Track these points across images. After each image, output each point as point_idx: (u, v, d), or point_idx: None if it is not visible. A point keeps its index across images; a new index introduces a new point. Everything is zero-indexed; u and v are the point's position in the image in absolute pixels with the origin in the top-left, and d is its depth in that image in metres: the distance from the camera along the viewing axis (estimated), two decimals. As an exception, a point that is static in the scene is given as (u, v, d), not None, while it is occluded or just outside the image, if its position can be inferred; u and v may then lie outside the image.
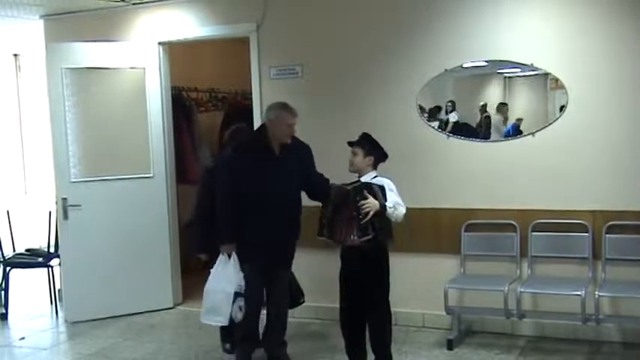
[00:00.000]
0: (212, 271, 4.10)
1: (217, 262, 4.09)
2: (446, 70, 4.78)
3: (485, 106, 4.84)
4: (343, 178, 4.03)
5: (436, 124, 4.88)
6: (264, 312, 4.36)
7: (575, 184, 4.49)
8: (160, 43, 5.72)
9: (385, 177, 3.98)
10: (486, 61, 4.72)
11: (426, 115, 4.90)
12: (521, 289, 4.35)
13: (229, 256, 4.05)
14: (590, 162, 4.46)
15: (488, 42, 4.66)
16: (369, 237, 3.78)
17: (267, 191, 4.04)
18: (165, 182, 5.73)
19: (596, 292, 4.17)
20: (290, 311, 4.51)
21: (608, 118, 4.40)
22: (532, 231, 4.58)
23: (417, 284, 4.89)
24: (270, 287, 4.26)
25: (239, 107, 6.80)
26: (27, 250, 6.25)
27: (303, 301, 4.55)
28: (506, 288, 4.33)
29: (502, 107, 4.74)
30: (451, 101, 4.91)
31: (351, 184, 3.92)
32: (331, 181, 4.11)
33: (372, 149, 4.00)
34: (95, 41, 5.58)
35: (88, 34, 5.69)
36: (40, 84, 7.06)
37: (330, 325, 4.81)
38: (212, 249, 4.19)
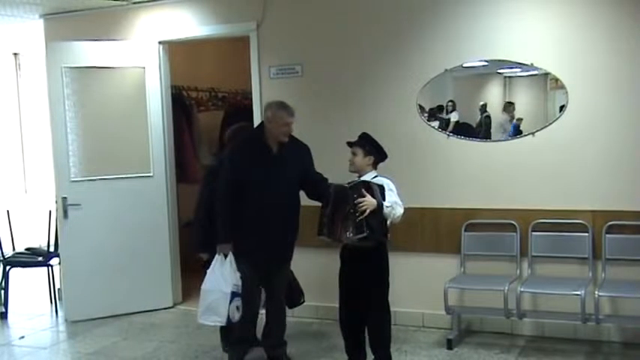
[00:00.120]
0: (208, 270, 4.10)
1: (214, 261, 4.09)
2: (446, 69, 4.78)
3: (485, 105, 4.84)
4: (343, 177, 4.03)
5: (436, 123, 4.87)
6: (262, 312, 4.36)
7: (575, 183, 4.49)
8: (160, 43, 5.72)
9: (385, 177, 3.99)
10: (486, 61, 4.72)
11: (426, 114, 4.90)
12: (521, 289, 4.35)
13: (226, 256, 4.05)
14: (590, 162, 4.46)
15: (488, 42, 4.66)
16: (364, 235, 3.77)
17: (264, 190, 4.04)
18: (165, 181, 5.73)
19: (596, 292, 4.16)
20: (290, 311, 4.52)
21: (608, 118, 4.40)
22: (532, 231, 4.58)
23: (417, 284, 4.89)
24: (268, 287, 4.26)
25: (239, 107, 6.80)
26: (27, 249, 6.26)
27: (303, 301, 4.55)
28: (506, 288, 4.33)
29: (509, 106, 4.73)
30: (451, 101, 4.91)
31: (351, 184, 3.92)
32: (330, 181, 4.11)
33: (371, 149, 4.00)
34: (95, 40, 5.58)
35: (88, 33, 5.69)
36: (40, 83, 7.07)
37: (330, 324, 4.81)
38: (213, 248, 4.19)
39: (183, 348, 4.79)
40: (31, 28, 6.44)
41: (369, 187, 3.82)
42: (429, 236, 4.88)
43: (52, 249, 6.06)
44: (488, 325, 4.79)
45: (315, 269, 4.89)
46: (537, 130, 4.58)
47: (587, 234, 4.44)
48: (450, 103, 4.91)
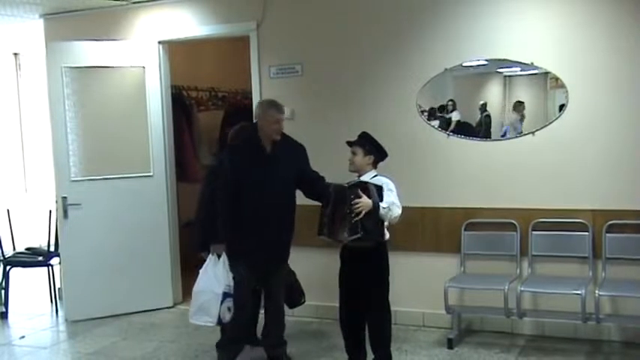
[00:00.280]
0: (201, 270, 4.09)
1: (207, 262, 4.08)
2: (446, 69, 4.78)
3: (485, 105, 4.83)
4: (343, 177, 4.03)
5: (436, 123, 4.87)
6: (262, 312, 4.36)
7: (575, 183, 4.49)
8: (160, 42, 5.72)
9: (385, 176, 3.98)
10: (486, 60, 4.71)
11: (426, 114, 4.89)
12: (522, 288, 4.35)
13: (219, 256, 4.04)
14: (590, 161, 4.45)
15: (488, 41, 4.65)
16: (358, 235, 3.78)
17: (260, 190, 4.04)
18: (165, 181, 5.73)
19: (597, 291, 4.16)
20: (290, 310, 4.52)
21: (608, 117, 4.40)
22: (532, 230, 4.58)
23: (417, 283, 4.89)
24: (266, 287, 4.26)
25: (239, 106, 6.80)
26: (27, 249, 6.26)
27: (304, 301, 4.55)
28: (507, 287, 4.33)
29: (519, 105, 4.70)
30: (452, 100, 4.91)
31: (351, 183, 3.92)
32: (330, 181, 4.10)
33: (371, 148, 3.99)
34: (95, 40, 5.58)
35: (88, 32, 5.69)
36: (40, 83, 7.07)
37: (330, 324, 4.81)
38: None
39: (183, 348, 4.79)
40: (31, 28, 6.44)
41: (365, 187, 3.81)
42: (429, 236, 4.88)
43: (52, 249, 6.06)
44: (489, 324, 4.79)
45: (315, 269, 4.89)
46: (537, 130, 4.58)
47: (587, 233, 4.44)
48: (450, 103, 4.91)
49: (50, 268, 5.97)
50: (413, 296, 4.90)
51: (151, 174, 5.66)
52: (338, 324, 4.14)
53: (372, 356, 4.05)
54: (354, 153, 4.01)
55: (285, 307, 4.44)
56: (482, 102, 4.85)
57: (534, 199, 4.58)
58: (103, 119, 5.54)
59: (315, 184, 4.14)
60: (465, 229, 4.76)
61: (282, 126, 4.16)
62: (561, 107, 4.52)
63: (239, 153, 4.17)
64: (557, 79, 4.51)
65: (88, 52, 5.51)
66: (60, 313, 5.80)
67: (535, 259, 4.62)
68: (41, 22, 6.07)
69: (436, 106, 4.89)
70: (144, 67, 5.64)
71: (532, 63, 4.54)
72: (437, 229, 4.86)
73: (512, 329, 4.72)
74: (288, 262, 4.41)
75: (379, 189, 3.82)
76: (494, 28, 4.64)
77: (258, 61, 5.36)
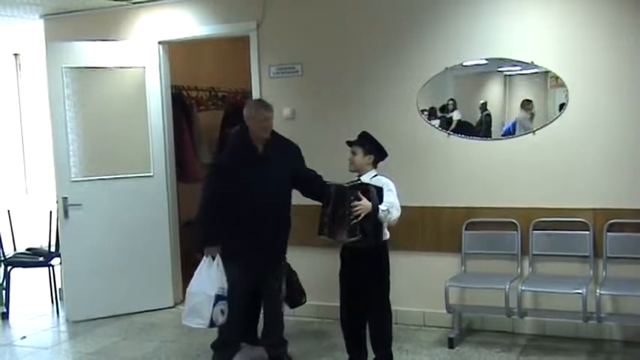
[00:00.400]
0: (195, 272, 4.09)
1: (201, 263, 4.07)
2: (446, 68, 4.77)
3: (485, 104, 4.83)
4: (343, 177, 4.03)
5: (437, 122, 4.87)
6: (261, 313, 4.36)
7: (576, 182, 4.49)
8: (159, 42, 5.72)
9: (386, 176, 3.98)
10: (487, 59, 4.71)
11: (426, 113, 4.89)
12: (522, 288, 4.35)
13: (213, 258, 4.04)
14: (590, 160, 4.45)
15: (488, 41, 4.65)
16: (356, 238, 3.78)
17: (252, 190, 4.03)
18: (165, 181, 5.73)
19: (598, 291, 4.16)
20: (291, 310, 4.52)
21: (608, 116, 4.39)
22: (533, 229, 4.58)
23: (418, 283, 4.89)
24: (263, 287, 4.24)
25: (239, 106, 6.74)
26: (28, 250, 6.26)
27: (305, 301, 4.54)
28: (507, 286, 4.32)
29: (527, 104, 4.67)
30: (452, 100, 4.90)
31: (351, 183, 3.92)
32: (329, 180, 4.10)
33: (371, 148, 3.99)
34: (95, 40, 5.58)
35: (88, 33, 5.69)
36: (40, 83, 7.07)
37: (330, 323, 4.81)
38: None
39: (184, 347, 4.79)
40: (32, 28, 6.44)
41: (366, 189, 3.80)
42: (429, 235, 4.87)
43: (52, 249, 6.07)
44: (490, 323, 4.79)
45: (315, 269, 4.88)
46: (538, 129, 4.58)
47: (588, 232, 4.44)
48: (451, 102, 4.91)
49: (51, 268, 5.97)
50: (413, 296, 4.90)
51: (151, 174, 5.66)
52: (339, 323, 4.14)
53: (373, 356, 4.05)
54: (353, 153, 4.01)
55: (286, 307, 4.44)
56: (482, 101, 4.85)
57: (535, 199, 4.58)
58: (103, 119, 5.54)
59: (312, 183, 4.14)
60: (466, 229, 4.76)
61: (271, 124, 4.15)
62: (561, 106, 4.52)
63: (231, 154, 4.17)
64: (557, 78, 4.51)
65: (88, 53, 5.51)
66: (61, 313, 5.80)
67: (536, 259, 4.62)
68: (41, 22, 6.07)
69: (437, 105, 4.89)
70: (144, 67, 5.64)
71: (532, 62, 4.54)
72: (437, 228, 4.86)
73: (513, 329, 4.72)
74: (290, 262, 4.41)
75: (379, 190, 3.82)
76: (494, 27, 4.64)
77: (258, 60, 5.36)
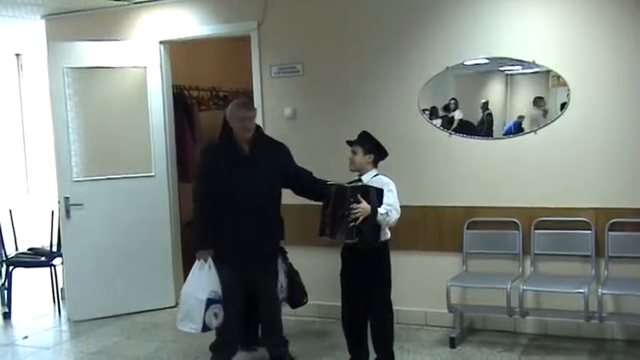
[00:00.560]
0: (189, 275, 4.08)
1: (194, 266, 4.07)
2: (447, 67, 4.77)
3: (486, 103, 4.83)
4: (344, 177, 4.03)
5: (438, 122, 4.86)
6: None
7: (577, 181, 4.48)
8: (161, 42, 5.72)
9: (386, 175, 3.98)
10: (488, 59, 4.71)
11: (427, 112, 4.89)
12: (524, 287, 4.34)
13: (205, 261, 4.03)
14: (592, 159, 4.44)
15: (489, 40, 4.64)
16: (353, 241, 3.78)
17: (238, 190, 4.01)
18: (166, 181, 5.73)
19: (599, 290, 4.15)
20: (292, 310, 4.51)
21: (610, 115, 4.39)
22: (534, 229, 4.57)
23: (419, 282, 4.88)
24: (257, 289, 4.22)
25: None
26: (29, 249, 6.27)
27: (306, 301, 4.54)
28: (509, 286, 4.32)
29: (539, 101, 4.62)
30: (454, 99, 4.90)
31: (351, 183, 3.92)
32: (331, 180, 4.09)
33: (371, 147, 3.99)
34: (97, 40, 5.58)
35: (89, 33, 5.69)
36: (42, 83, 7.08)
37: (332, 323, 4.81)
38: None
39: (185, 347, 4.79)
40: (33, 28, 6.45)
41: (367, 192, 3.80)
42: (431, 234, 4.87)
43: (54, 249, 6.07)
44: (491, 323, 4.78)
45: (316, 268, 4.88)
46: (539, 128, 4.57)
47: (589, 232, 4.43)
48: (452, 101, 4.90)
49: (53, 268, 5.97)
50: (415, 295, 4.89)
51: (152, 174, 5.67)
52: (340, 323, 4.14)
53: (375, 355, 4.05)
54: (354, 152, 4.00)
55: (287, 307, 4.44)
56: (483, 100, 4.84)
57: (536, 198, 4.57)
58: (104, 119, 5.54)
59: (303, 182, 4.13)
60: (467, 228, 4.76)
61: (253, 124, 4.11)
62: (563, 105, 4.51)
63: (215, 154, 4.17)
64: (558, 77, 4.50)
65: (89, 53, 5.52)
66: (62, 313, 5.80)
67: (537, 258, 4.61)
68: (43, 22, 6.07)
69: (439, 105, 4.88)
70: (145, 67, 5.65)
71: (534, 61, 4.54)
72: (439, 227, 4.85)
73: (514, 328, 4.72)
74: (291, 262, 4.41)
75: (380, 192, 3.81)
76: (495, 26, 4.63)
77: (259, 60, 5.36)
